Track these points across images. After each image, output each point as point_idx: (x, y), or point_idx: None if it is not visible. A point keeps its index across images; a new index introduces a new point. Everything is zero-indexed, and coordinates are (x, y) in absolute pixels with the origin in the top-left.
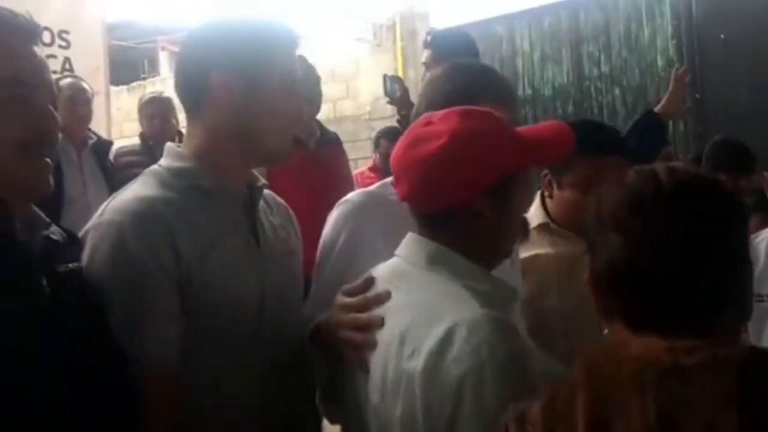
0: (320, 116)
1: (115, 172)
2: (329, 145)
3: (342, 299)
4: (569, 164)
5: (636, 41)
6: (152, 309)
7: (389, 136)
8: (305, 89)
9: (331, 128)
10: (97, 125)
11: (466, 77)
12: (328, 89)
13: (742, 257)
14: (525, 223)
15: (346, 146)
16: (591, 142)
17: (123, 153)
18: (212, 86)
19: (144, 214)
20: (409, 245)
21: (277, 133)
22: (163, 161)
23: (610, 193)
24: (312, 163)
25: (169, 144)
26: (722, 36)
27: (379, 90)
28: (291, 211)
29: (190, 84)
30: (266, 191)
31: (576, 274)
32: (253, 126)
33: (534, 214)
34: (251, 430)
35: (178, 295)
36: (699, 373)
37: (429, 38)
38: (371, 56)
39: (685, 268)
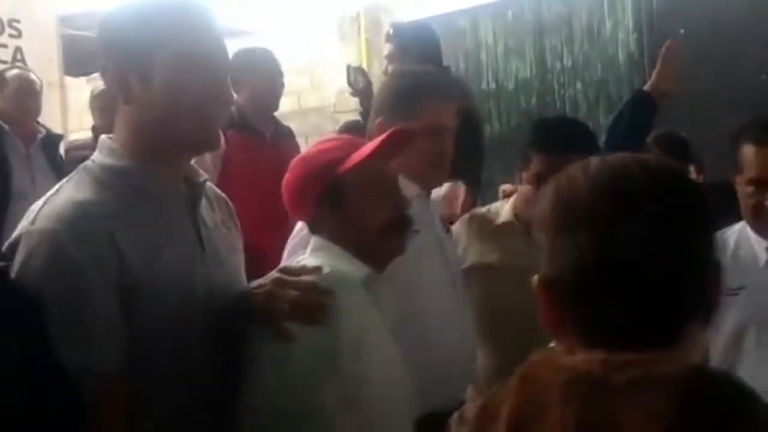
0: (284, 108)
1: (66, 167)
2: (284, 138)
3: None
4: (527, 159)
5: (598, 35)
6: (93, 315)
7: (353, 130)
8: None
9: (296, 121)
10: (52, 118)
11: (408, 81)
12: (292, 81)
13: (714, 259)
14: (396, 214)
15: (311, 139)
16: (544, 140)
17: (75, 147)
18: (110, 82)
19: (80, 220)
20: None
21: (188, 119)
22: (97, 157)
23: (571, 191)
24: (268, 154)
25: (102, 137)
26: (681, 30)
27: (344, 82)
28: (231, 204)
29: (103, 81)
30: (207, 184)
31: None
32: (161, 117)
33: (505, 211)
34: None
35: (121, 300)
36: (628, 390)
37: (391, 32)
38: (335, 48)
39: (659, 273)
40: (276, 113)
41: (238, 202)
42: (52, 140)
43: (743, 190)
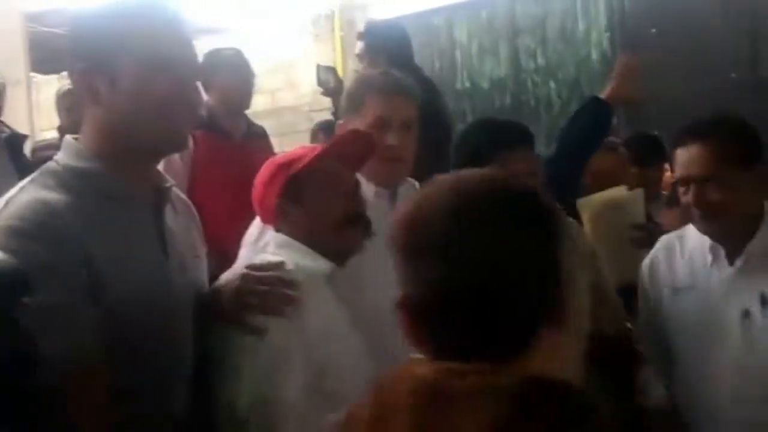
0: (259, 107)
1: (31, 167)
2: (255, 138)
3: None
4: (481, 160)
5: (571, 35)
6: (61, 307)
7: (327, 129)
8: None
9: (271, 119)
10: (18, 116)
11: (356, 82)
12: (267, 80)
13: (560, 270)
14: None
15: (286, 138)
16: (497, 138)
17: (41, 147)
18: (78, 83)
19: (46, 218)
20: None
21: (155, 122)
22: (61, 157)
23: (414, 214)
24: (237, 154)
25: (67, 138)
26: (653, 30)
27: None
28: (194, 209)
29: (71, 81)
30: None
31: None
32: (128, 119)
33: None
34: None
35: (89, 296)
36: (466, 398)
37: (363, 30)
38: (310, 47)
39: (494, 293)
40: (250, 112)
41: (207, 203)
42: (16, 140)
43: (680, 192)
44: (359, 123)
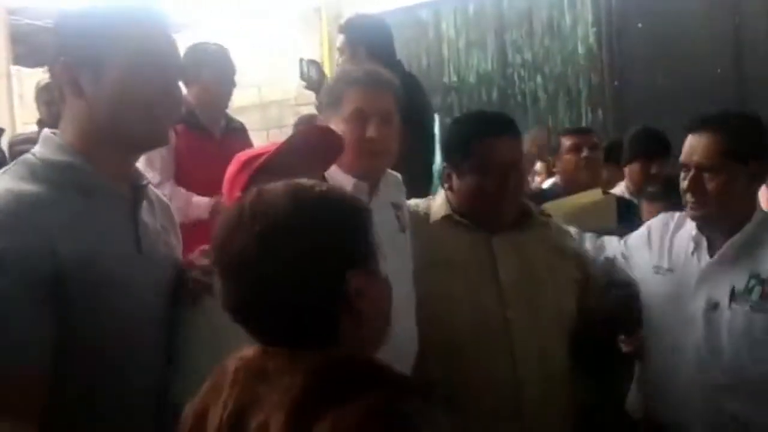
0: (245, 101)
1: (10, 161)
2: (234, 133)
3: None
4: (466, 152)
5: (558, 29)
6: (10, 313)
7: (309, 123)
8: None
9: (257, 113)
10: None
11: (336, 77)
12: (252, 74)
13: (360, 267)
14: None
15: (272, 132)
16: (484, 128)
17: (19, 141)
18: (60, 76)
19: (15, 210)
20: None
21: (137, 118)
22: (38, 150)
23: (220, 232)
24: (217, 151)
25: (45, 131)
26: (639, 25)
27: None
28: (171, 209)
29: (51, 74)
30: (149, 188)
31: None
32: (110, 113)
33: (438, 208)
34: None
35: (50, 293)
36: (273, 374)
37: (343, 24)
38: (297, 41)
39: (291, 298)
40: (237, 106)
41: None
42: None
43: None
44: (338, 117)
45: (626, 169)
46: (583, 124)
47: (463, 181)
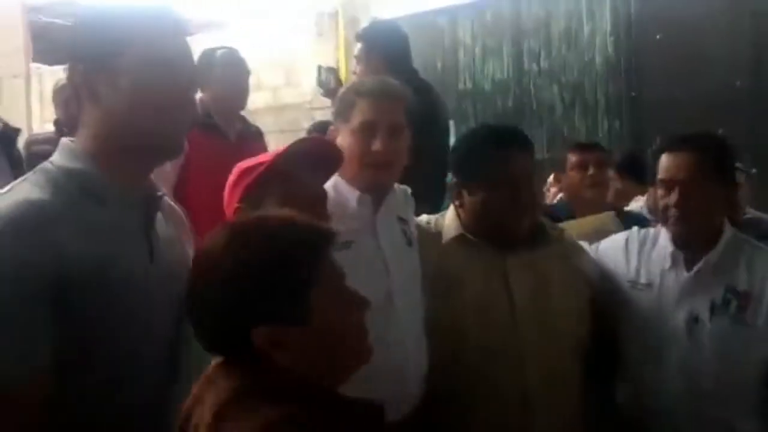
0: (260, 104)
1: (26, 161)
2: (251, 137)
3: None
4: (476, 166)
5: (575, 38)
6: (20, 321)
7: (321, 130)
8: (232, 79)
9: (272, 117)
10: (17, 108)
11: (347, 88)
12: (268, 77)
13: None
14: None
15: (287, 135)
16: (494, 141)
17: (36, 141)
18: (77, 81)
19: (29, 221)
20: None
21: (151, 124)
22: (56, 158)
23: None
24: (232, 154)
25: (63, 140)
26: (658, 36)
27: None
28: (185, 219)
29: (68, 79)
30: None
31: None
32: (124, 120)
33: (449, 226)
34: None
35: (59, 301)
36: (217, 382)
37: (360, 32)
38: (313, 45)
39: (233, 317)
40: (251, 109)
41: (201, 201)
42: (8, 135)
43: (658, 195)
44: (347, 128)
45: (651, 189)
46: (600, 135)
47: (473, 196)
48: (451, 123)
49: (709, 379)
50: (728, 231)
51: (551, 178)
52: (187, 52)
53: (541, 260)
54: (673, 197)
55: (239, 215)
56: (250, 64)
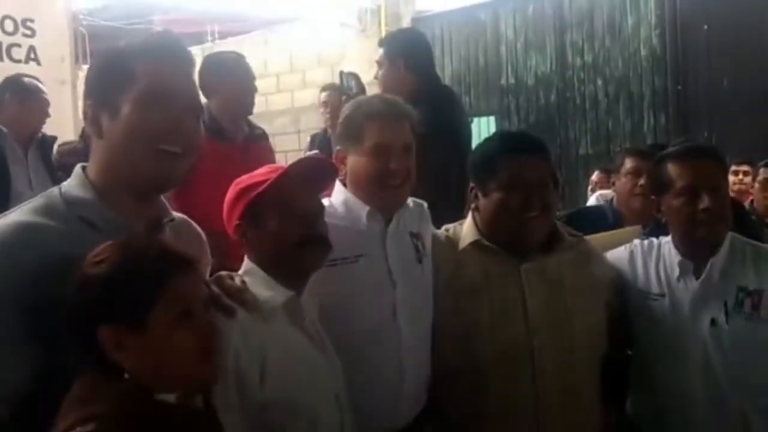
0: (305, 101)
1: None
2: (257, 140)
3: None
4: (492, 170)
5: (619, 30)
6: None
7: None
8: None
9: (316, 113)
10: (64, 116)
11: (353, 108)
12: (314, 74)
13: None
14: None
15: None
16: (508, 146)
17: (62, 152)
18: (87, 119)
19: (18, 243)
20: None
21: (141, 156)
22: (66, 183)
23: None
24: (239, 157)
25: (77, 167)
26: (705, 27)
27: (365, 76)
28: (204, 237)
29: (83, 116)
30: (180, 220)
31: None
32: (117, 154)
33: (466, 233)
34: None
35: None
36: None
37: (382, 38)
38: (357, 41)
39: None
40: (298, 107)
41: (209, 205)
42: (46, 143)
43: (674, 204)
44: (359, 151)
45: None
46: (645, 129)
47: (488, 199)
48: (493, 119)
49: (728, 377)
50: (728, 235)
51: (594, 176)
52: (187, 83)
53: (556, 267)
54: (707, 201)
55: (238, 232)
56: (297, 63)
